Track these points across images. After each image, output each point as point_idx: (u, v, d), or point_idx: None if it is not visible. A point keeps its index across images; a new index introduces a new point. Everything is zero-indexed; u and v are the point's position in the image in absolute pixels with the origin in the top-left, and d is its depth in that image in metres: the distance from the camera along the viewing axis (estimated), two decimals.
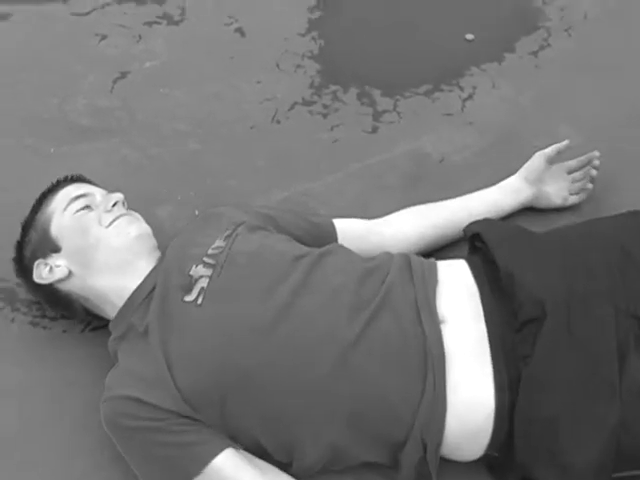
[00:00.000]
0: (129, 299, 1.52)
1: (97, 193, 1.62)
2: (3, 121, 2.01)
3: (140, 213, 1.77)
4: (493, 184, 1.82)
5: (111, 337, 1.54)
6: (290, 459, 1.42)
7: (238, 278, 1.47)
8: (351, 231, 1.70)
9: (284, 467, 1.44)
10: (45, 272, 1.58)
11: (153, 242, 1.61)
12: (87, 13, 2.23)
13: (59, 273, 1.57)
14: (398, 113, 2.00)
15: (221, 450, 1.40)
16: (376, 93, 2.04)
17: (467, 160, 1.90)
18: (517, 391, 1.36)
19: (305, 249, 1.58)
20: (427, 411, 1.36)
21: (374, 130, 1.98)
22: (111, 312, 1.56)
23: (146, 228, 1.61)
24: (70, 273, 1.57)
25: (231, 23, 2.20)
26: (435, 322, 1.41)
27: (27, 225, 1.63)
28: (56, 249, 1.57)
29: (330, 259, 1.53)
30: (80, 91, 2.06)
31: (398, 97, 2.03)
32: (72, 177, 1.67)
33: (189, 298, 1.45)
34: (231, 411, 1.40)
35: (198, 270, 1.48)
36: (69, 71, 2.10)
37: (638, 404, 1.33)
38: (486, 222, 1.66)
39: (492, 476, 1.46)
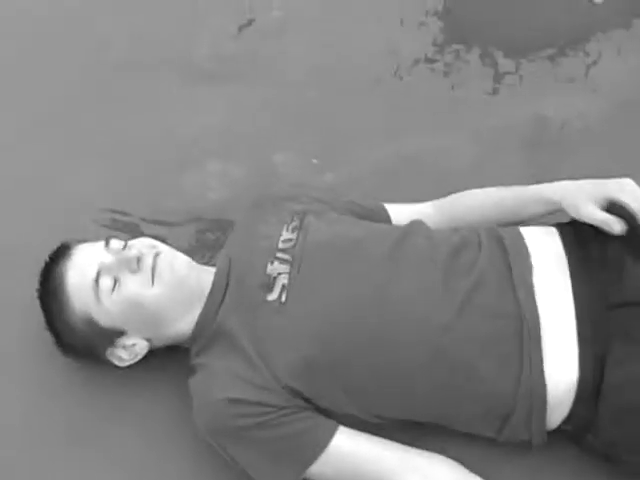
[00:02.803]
0: (204, 310, 1.42)
1: (100, 257, 1.41)
2: (131, 62, 1.96)
3: (257, 158, 1.80)
4: (613, 153, 1.71)
5: (193, 352, 1.44)
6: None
7: (318, 272, 1.40)
8: (404, 216, 1.60)
9: None
10: (124, 354, 1.45)
11: (194, 264, 1.47)
12: None
13: (141, 350, 1.44)
14: (520, 76, 1.90)
15: (335, 430, 1.36)
16: (499, 54, 1.94)
17: (589, 128, 1.80)
18: (600, 368, 1.29)
19: (381, 229, 1.51)
20: (527, 388, 1.30)
21: (495, 92, 1.89)
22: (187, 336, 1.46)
23: (183, 261, 1.44)
24: (149, 341, 1.44)
25: None
26: (532, 300, 1.34)
27: (59, 329, 1.45)
28: (120, 333, 1.42)
29: (413, 241, 1.44)
30: (205, 36, 2.01)
31: (521, 59, 1.92)
32: (56, 253, 1.45)
33: (271, 297, 1.38)
34: (328, 395, 1.36)
35: (275, 267, 1.40)
36: (196, 15, 2.04)
37: None
38: None
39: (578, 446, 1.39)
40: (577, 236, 1.44)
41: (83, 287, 1.39)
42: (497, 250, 1.40)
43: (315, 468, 1.35)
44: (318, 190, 1.67)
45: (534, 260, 1.38)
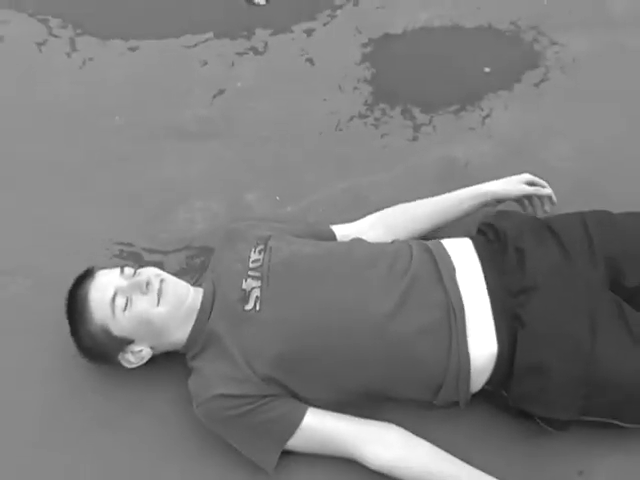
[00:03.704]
0: (197, 321, 1.55)
1: (116, 281, 1.53)
2: (133, 126, 2.15)
3: (232, 197, 1.98)
4: None
5: (188, 355, 1.57)
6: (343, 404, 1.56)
7: (284, 284, 1.52)
8: (347, 234, 1.73)
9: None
10: (132, 358, 1.57)
11: (190, 287, 1.59)
12: (194, 45, 2.32)
13: (146, 354, 1.56)
14: (433, 126, 2.10)
15: (305, 412, 1.50)
16: (416, 110, 2.14)
17: (486, 164, 2.01)
18: (513, 340, 1.46)
19: (330, 246, 1.64)
20: (455, 359, 1.46)
21: (414, 139, 2.08)
22: (183, 343, 1.58)
23: (182, 285, 1.57)
24: (152, 348, 1.57)
25: (303, 54, 2.29)
26: (457, 293, 1.50)
27: (81, 336, 1.56)
28: (129, 342, 1.54)
29: (357, 253, 1.58)
30: (188, 104, 2.18)
31: (433, 114, 2.12)
32: (82, 276, 1.58)
33: (248, 307, 1.51)
34: (298, 379, 1.49)
35: (249, 283, 1.53)
36: (179, 89, 2.22)
37: (603, 362, 1.44)
38: (500, 213, 1.70)
39: (491, 404, 1.58)
40: (486, 243, 1.60)
41: (102, 304, 1.51)
42: (426, 257, 1.56)
43: (292, 442, 1.50)
44: (277, 220, 1.79)
45: (455, 263, 1.55)
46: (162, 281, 1.54)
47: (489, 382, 1.50)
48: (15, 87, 2.26)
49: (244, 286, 1.53)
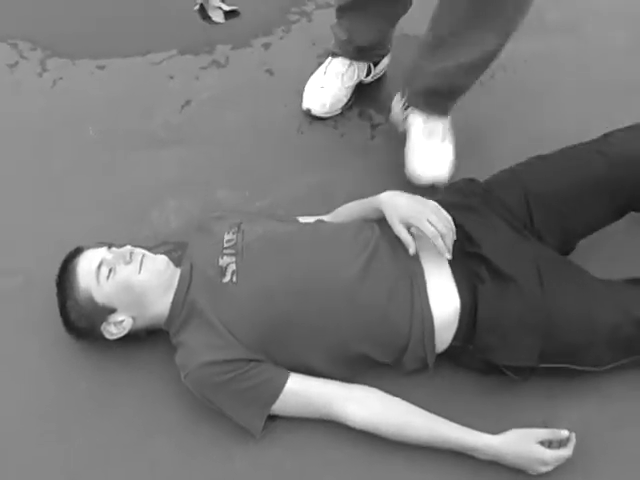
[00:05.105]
0: (177, 293, 1.62)
1: (103, 253, 1.63)
2: (107, 137, 2.21)
3: (204, 196, 2.05)
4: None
5: (172, 331, 1.64)
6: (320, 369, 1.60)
7: (257, 258, 1.59)
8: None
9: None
10: (114, 329, 1.63)
11: (170, 263, 1.68)
12: (159, 62, 2.41)
13: (127, 325, 1.63)
14: (389, 124, 2.15)
15: (287, 377, 1.56)
16: (372, 111, 2.26)
17: None
18: (473, 295, 1.55)
19: (299, 225, 1.74)
20: (419, 317, 1.55)
21: (372, 137, 2.20)
22: (164, 317, 1.64)
23: (161, 259, 1.66)
24: (134, 319, 1.64)
25: (262, 66, 2.39)
26: (417, 258, 1.61)
27: (68, 307, 1.63)
28: (112, 311, 1.61)
29: (324, 229, 1.69)
30: (157, 115, 2.27)
31: (388, 113, 2.16)
32: (72, 253, 1.67)
33: (226, 280, 1.57)
34: (278, 345, 1.56)
35: (224, 260, 1.59)
36: (149, 101, 2.30)
37: (555, 310, 1.54)
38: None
39: (455, 363, 1.66)
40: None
41: (88, 273, 1.61)
42: (387, 229, 1.63)
43: (277, 407, 1.56)
44: (246, 212, 1.88)
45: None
46: (144, 255, 1.65)
47: (456, 338, 1.58)
48: None
49: (220, 263, 1.61)
